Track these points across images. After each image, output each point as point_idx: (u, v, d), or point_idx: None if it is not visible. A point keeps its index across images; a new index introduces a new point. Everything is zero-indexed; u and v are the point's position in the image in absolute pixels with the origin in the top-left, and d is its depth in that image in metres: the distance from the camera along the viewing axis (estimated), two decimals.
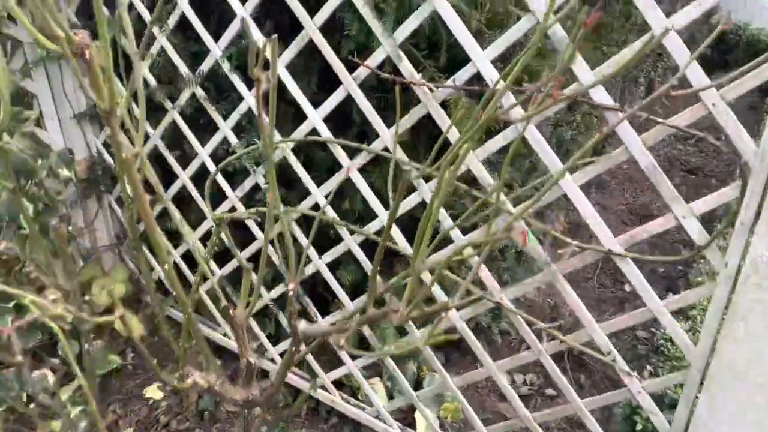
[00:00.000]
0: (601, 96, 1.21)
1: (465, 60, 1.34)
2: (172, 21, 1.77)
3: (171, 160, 2.06)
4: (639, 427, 1.78)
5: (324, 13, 1.47)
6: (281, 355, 2.10)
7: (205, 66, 1.77)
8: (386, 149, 1.54)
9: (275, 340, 2.14)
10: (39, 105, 2.17)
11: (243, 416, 1.41)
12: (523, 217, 1.40)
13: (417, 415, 2.00)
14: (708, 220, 1.19)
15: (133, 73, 1.67)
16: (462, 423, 2.17)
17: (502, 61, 1.60)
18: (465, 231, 1.50)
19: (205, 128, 1.93)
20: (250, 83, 1.69)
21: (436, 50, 1.51)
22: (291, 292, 1.02)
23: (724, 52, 6.29)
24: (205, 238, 2.15)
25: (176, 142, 2.05)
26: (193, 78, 1.81)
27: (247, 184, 1.86)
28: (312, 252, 1.81)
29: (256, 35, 1.60)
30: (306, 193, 1.74)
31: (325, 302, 2.01)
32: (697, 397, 1.32)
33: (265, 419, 2.04)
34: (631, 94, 3.15)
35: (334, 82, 1.54)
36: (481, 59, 1.31)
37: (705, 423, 1.31)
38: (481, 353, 1.64)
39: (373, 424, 2.00)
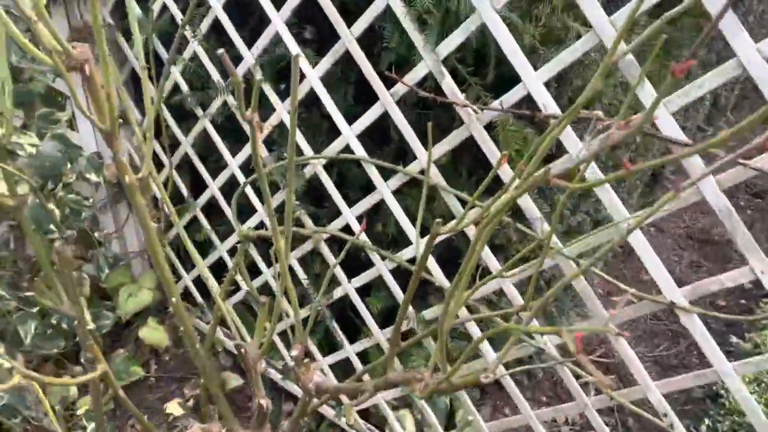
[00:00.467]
0: (668, 127, 1.05)
1: (515, 78, 1.19)
2: (205, 24, 1.68)
3: (201, 168, 1.97)
4: None
5: (362, 23, 1.35)
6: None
7: (239, 72, 1.67)
8: (424, 171, 1.41)
9: None
10: (72, 106, 2.12)
11: None
12: (574, 259, 1.25)
13: None
14: None
15: (162, 80, 1.58)
16: None
17: (556, 82, 1.45)
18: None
19: (236, 137, 1.84)
20: (282, 94, 1.59)
21: (483, 66, 1.36)
22: (296, 353, 0.90)
23: None
24: (233, 250, 2.06)
25: (207, 149, 1.96)
26: (224, 85, 1.71)
27: (278, 197, 1.75)
28: (341, 274, 1.69)
29: (291, 43, 1.49)
30: (337, 211, 1.63)
31: (354, 327, 1.89)
32: None
33: None
34: (695, 111, 2.92)
35: (372, 95, 1.42)
36: (533, 81, 1.16)
37: None
38: (519, 400, 1.49)
39: None
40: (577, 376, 1.34)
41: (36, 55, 0.77)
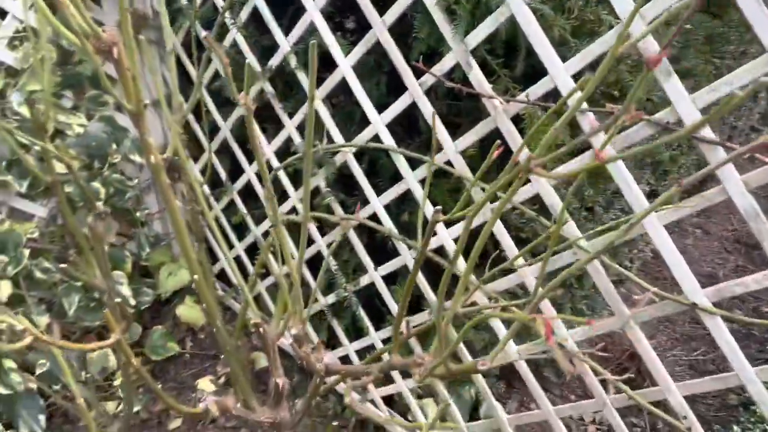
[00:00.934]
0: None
1: (544, 71, 1.18)
2: (245, 13, 1.72)
3: (239, 153, 2.02)
4: None
5: (394, 12, 1.35)
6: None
7: (275, 61, 1.71)
8: (450, 163, 1.41)
9: (331, 346, 2.07)
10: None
11: None
12: (596, 256, 1.24)
13: None
14: None
15: (202, 65, 1.63)
16: None
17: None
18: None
19: (273, 124, 1.88)
20: (316, 82, 1.61)
21: (513, 58, 1.36)
22: (295, 332, 0.93)
23: None
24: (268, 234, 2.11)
25: (245, 134, 2.01)
26: (261, 73, 1.75)
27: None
28: (368, 262, 1.71)
29: (325, 32, 1.51)
30: (366, 199, 1.65)
31: (380, 315, 1.91)
32: None
33: None
34: (749, 110, 2.81)
35: (404, 85, 1.42)
36: (560, 73, 1.15)
37: None
38: (539, 395, 1.49)
39: None
40: (596, 373, 1.33)
41: (66, 37, 0.81)
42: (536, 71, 1.26)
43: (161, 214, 2.48)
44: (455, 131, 1.42)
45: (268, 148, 1.85)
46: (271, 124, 1.94)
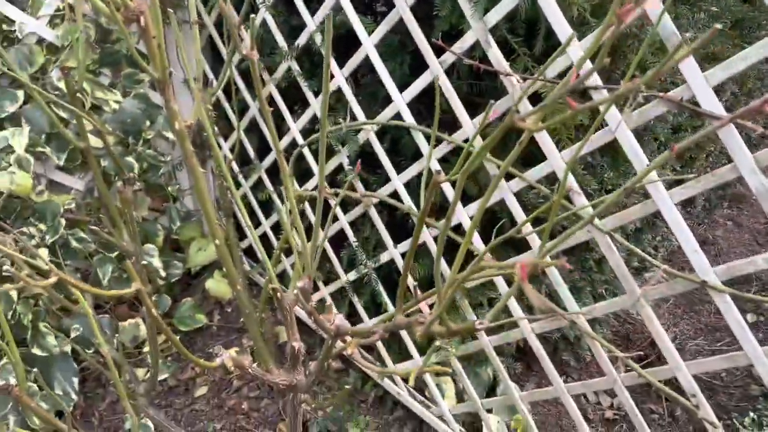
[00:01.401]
0: (707, 101, 1.02)
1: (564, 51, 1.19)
2: None
3: (266, 131, 2.07)
4: None
5: None
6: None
7: (302, 40, 1.75)
8: (468, 140, 1.43)
9: (352, 324, 2.12)
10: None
11: (289, 400, 1.39)
12: (608, 232, 1.25)
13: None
14: None
15: (231, 44, 1.67)
16: None
17: (609, 56, 1.43)
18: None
19: (301, 105, 1.93)
20: (340, 61, 1.64)
21: (533, 37, 1.37)
22: (301, 284, 0.97)
23: None
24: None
25: (272, 113, 2.05)
26: (289, 51, 1.79)
27: (332, 163, 1.82)
28: (388, 239, 1.75)
29: (350, 11, 1.54)
30: (388, 177, 1.68)
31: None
32: None
33: (309, 404, 2.03)
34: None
35: (427, 65, 1.45)
36: (577, 51, 1.16)
37: None
38: (550, 371, 1.51)
39: (436, 425, 1.93)
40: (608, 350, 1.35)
41: (97, 6, 0.86)
42: (555, 50, 1.27)
43: (192, 191, 2.55)
44: (476, 111, 1.44)
45: (293, 126, 1.90)
46: (301, 107, 1.99)
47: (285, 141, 1.97)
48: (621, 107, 1.16)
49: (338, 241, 1.96)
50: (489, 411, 1.80)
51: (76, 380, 1.97)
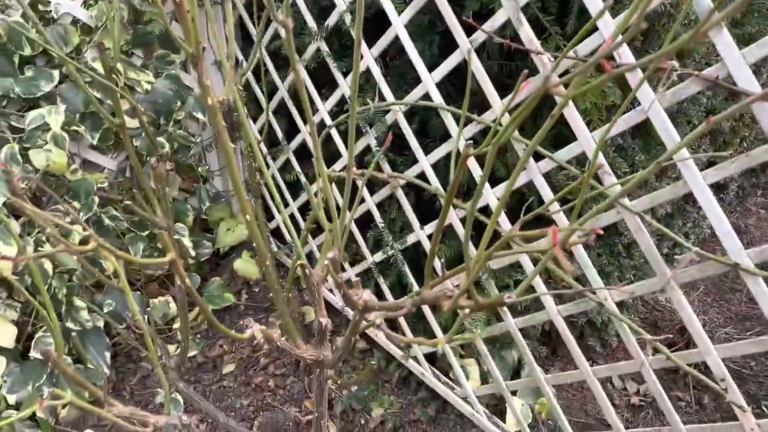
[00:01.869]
0: (744, 78, 1.01)
1: (596, 28, 1.18)
2: None
3: (295, 113, 2.09)
4: None
5: None
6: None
7: (331, 20, 1.75)
8: (499, 123, 1.42)
9: None
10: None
11: (315, 376, 1.42)
12: (638, 213, 1.24)
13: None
14: None
15: (261, 24, 1.69)
16: (556, 422, 2.03)
17: (642, 35, 1.41)
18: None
19: (330, 87, 1.93)
20: (369, 42, 1.65)
21: (565, 15, 1.35)
22: (332, 255, 0.98)
23: None
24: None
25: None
26: (318, 32, 1.80)
27: (360, 144, 1.83)
28: (414, 220, 1.75)
29: None
30: (416, 159, 1.68)
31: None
32: None
33: (335, 381, 2.05)
34: None
35: (456, 45, 1.44)
36: (609, 28, 1.15)
37: None
38: (576, 354, 1.50)
39: (460, 406, 1.94)
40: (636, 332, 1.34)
41: None
42: (588, 30, 1.25)
43: (221, 172, 2.58)
44: (506, 93, 1.43)
45: (322, 107, 1.91)
46: (329, 89, 1.99)
47: (314, 120, 1.97)
48: (654, 87, 1.14)
49: (364, 222, 1.97)
50: (513, 393, 1.81)
51: (108, 354, 2.03)
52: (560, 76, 1.27)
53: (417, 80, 1.58)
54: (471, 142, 0.75)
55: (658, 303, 2.50)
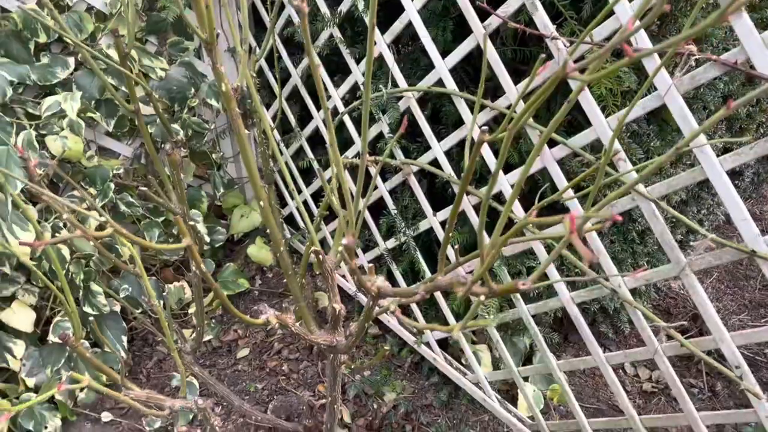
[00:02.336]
0: (764, 62, 0.99)
1: (611, 13, 1.17)
2: None
3: (308, 100, 2.09)
4: None
5: None
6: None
7: (344, 6, 1.75)
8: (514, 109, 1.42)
9: None
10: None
11: (329, 361, 1.43)
12: (653, 199, 1.23)
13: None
14: None
15: (274, 11, 1.68)
16: (567, 408, 2.04)
17: (659, 20, 1.40)
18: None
19: (342, 74, 1.93)
20: (382, 28, 1.64)
21: (580, 0, 1.34)
22: (346, 242, 0.99)
23: None
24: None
25: (314, 83, 2.07)
26: (331, 18, 1.79)
27: (372, 131, 1.83)
28: (427, 207, 1.76)
29: None
30: (428, 146, 1.68)
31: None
32: None
33: (348, 366, 2.07)
34: None
35: (470, 30, 1.44)
36: (625, 13, 1.14)
37: None
38: (589, 341, 1.51)
39: (472, 391, 1.95)
40: (649, 319, 1.34)
41: None
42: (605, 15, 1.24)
43: (235, 159, 2.60)
44: (520, 79, 1.42)
45: (335, 93, 1.91)
46: (341, 76, 1.99)
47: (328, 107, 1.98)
48: (671, 72, 1.13)
49: (377, 209, 1.98)
50: (525, 379, 1.82)
51: (125, 338, 2.05)
52: (575, 62, 1.26)
53: (430, 66, 1.58)
54: (486, 128, 0.76)
55: (670, 290, 2.49)
